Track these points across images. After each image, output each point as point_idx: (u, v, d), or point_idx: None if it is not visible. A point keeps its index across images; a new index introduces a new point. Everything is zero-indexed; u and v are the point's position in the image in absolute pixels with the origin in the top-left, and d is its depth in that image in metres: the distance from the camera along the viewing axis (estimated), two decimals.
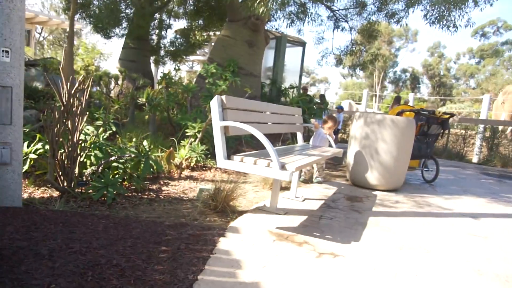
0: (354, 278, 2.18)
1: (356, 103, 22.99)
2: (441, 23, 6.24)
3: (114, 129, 4.87)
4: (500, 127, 11.25)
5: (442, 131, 5.96)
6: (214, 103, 2.68)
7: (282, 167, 2.55)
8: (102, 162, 3.59)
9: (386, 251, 2.67)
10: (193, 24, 10.45)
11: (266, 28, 8.21)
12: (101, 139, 3.87)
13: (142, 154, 3.85)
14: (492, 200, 4.91)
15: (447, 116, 5.77)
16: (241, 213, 3.24)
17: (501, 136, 10.97)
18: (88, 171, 3.50)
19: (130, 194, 3.51)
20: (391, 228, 3.24)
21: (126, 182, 3.79)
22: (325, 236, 2.84)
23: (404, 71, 48.45)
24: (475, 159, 10.62)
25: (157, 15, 10.72)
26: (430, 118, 5.53)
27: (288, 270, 2.20)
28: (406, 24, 7.75)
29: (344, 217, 3.43)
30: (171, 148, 4.67)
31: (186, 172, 4.73)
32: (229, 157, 2.79)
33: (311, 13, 7.55)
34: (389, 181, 4.80)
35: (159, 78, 6.57)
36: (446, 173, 7.20)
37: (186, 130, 5.24)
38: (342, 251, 2.58)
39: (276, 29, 9.09)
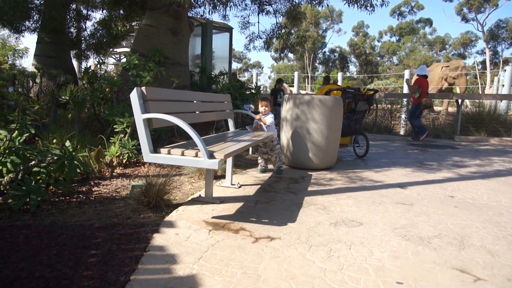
0: (290, 259, 2.22)
1: (289, 86, 23.40)
2: (359, 3, 6.48)
3: (33, 131, 4.52)
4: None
5: (368, 107, 6.23)
6: (134, 96, 2.55)
7: (211, 155, 2.50)
8: (21, 168, 3.31)
9: (321, 228, 2.75)
10: (114, 14, 9.92)
11: (190, 15, 8.01)
12: (17, 143, 3.56)
13: (66, 155, 3.61)
14: (417, 169, 5.25)
15: (372, 92, 6.04)
16: (176, 206, 3.16)
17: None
18: (5, 179, 3.21)
19: (57, 199, 3.28)
20: (326, 205, 3.34)
21: (51, 187, 3.54)
22: (262, 221, 2.86)
23: (332, 51, 50.18)
24: (402, 131, 11.30)
25: (72, 6, 10.03)
26: (356, 95, 5.75)
27: (224, 259, 2.18)
28: (328, 5, 7.95)
29: (280, 200, 3.48)
30: (99, 146, 4.43)
31: (118, 170, 4.53)
32: (156, 150, 2.69)
33: None
34: (323, 160, 4.94)
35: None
36: (377, 147, 7.59)
37: (115, 126, 5.01)
38: (278, 233, 2.61)
39: (201, 15, 8.91)
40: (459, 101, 10.05)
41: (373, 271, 2.08)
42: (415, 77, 8.87)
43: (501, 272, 2.12)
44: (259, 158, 4.83)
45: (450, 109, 17.04)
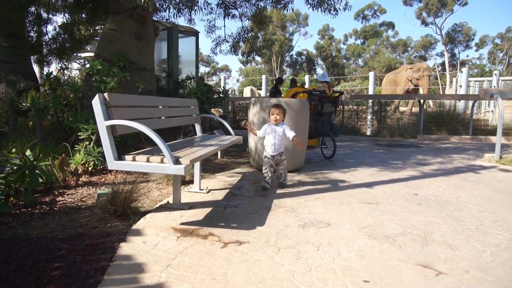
0: (259, 263, 2.22)
1: (258, 89, 23.54)
2: (322, 6, 6.61)
3: None
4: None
5: (334, 108, 6.35)
6: (96, 102, 2.50)
7: (177, 161, 2.48)
8: None
9: (289, 231, 2.77)
10: (76, 18, 9.65)
11: (155, 19, 7.92)
12: None
13: (27, 165, 3.48)
14: (383, 169, 5.39)
15: (337, 94, 6.16)
16: (144, 213, 3.11)
17: (387, 109, 12.11)
18: None
19: (18, 211, 3.16)
20: (294, 207, 3.37)
21: (12, 198, 3.40)
22: (230, 225, 2.86)
23: (299, 54, 50.84)
24: (368, 132, 11.58)
25: (31, 9, 9.68)
26: (322, 97, 5.85)
27: (193, 265, 2.17)
28: (293, 9, 8.05)
29: (249, 203, 3.48)
30: (63, 154, 4.30)
31: (84, 178, 4.41)
32: (121, 157, 2.64)
33: (198, 0, 7.44)
34: (291, 162, 4.98)
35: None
36: (344, 147, 7.74)
37: (79, 133, 4.88)
38: (247, 237, 2.61)
39: (166, 19, 8.83)
40: (421, 101, 10.42)
41: (341, 271, 2.12)
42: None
43: (459, 265, 2.21)
44: (265, 172, 4.13)
45: (414, 109, 17.60)
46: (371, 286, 1.97)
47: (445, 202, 3.65)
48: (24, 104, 5.42)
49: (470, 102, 10.97)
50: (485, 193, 4.04)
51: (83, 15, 9.62)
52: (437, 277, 2.06)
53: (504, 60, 42.40)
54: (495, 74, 14.67)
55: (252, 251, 2.38)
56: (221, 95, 7.78)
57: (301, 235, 2.68)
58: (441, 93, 26.15)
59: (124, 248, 2.39)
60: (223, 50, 9.78)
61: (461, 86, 14.20)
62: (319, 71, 51.71)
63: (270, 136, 4.09)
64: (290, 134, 4.00)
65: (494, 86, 14.34)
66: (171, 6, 7.72)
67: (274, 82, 11.80)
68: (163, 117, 3.50)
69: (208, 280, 1.99)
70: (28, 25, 9.92)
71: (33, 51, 10.16)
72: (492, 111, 13.03)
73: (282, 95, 10.36)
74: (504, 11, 76.67)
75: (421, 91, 17.69)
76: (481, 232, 2.80)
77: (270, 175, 4.11)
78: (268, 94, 12.99)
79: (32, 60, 10.22)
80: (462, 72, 14.46)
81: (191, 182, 4.20)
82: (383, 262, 2.25)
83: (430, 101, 14.78)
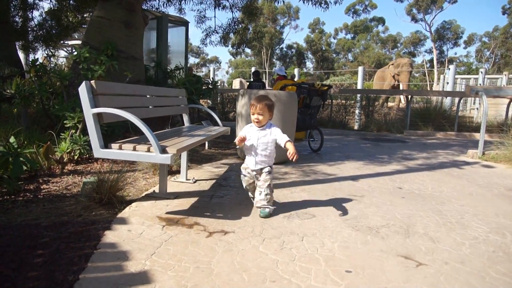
0: (244, 252, 2.24)
1: (247, 81, 23.45)
2: (313, 0, 6.60)
3: None
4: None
5: (322, 102, 6.38)
6: (83, 90, 2.47)
7: (163, 150, 2.48)
8: None
9: (274, 221, 2.80)
10: (64, 4, 9.47)
11: (144, 7, 7.82)
12: None
13: (10, 152, 3.44)
14: (369, 162, 5.44)
15: (326, 88, 6.19)
16: (130, 202, 3.10)
17: (375, 104, 12.21)
18: None
19: (0, 198, 3.12)
20: (280, 199, 3.40)
21: None
22: (216, 215, 2.87)
23: (289, 47, 50.80)
24: (356, 126, 11.66)
25: None
26: (310, 90, 5.87)
27: (177, 254, 2.18)
28: (284, 2, 8.03)
29: (235, 194, 3.50)
30: (48, 142, 4.26)
31: (69, 167, 4.37)
32: (107, 145, 2.62)
33: None
34: (278, 154, 4.97)
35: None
36: (331, 141, 7.79)
37: (65, 122, 4.82)
38: (232, 227, 2.63)
39: (156, 8, 8.72)
40: (408, 97, 10.52)
41: (324, 261, 2.15)
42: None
43: (440, 257, 2.26)
44: (251, 194, 3.14)
45: (402, 105, 17.76)
46: (353, 276, 2.00)
47: (429, 196, 3.72)
48: (8, 91, 5.33)
49: (456, 99, 11.12)
50: (467, 188, 4.12)
51: (71, 1, 9.44)
52: (418, 268, 2.11)
53: (490, 58, 43.00)
54: (481, 72, 14.91)
55: (237, 240, 2.40)
56: (210, 86, 7.75)
57: (286, 226, 2.70)
58: (428, 89, 26.42)
59: (109, 236, 2.39)
60: (213, 41, 9.75)
61: (448, 83, 14.38)
62: (309, 64, 51.83)
63: (251, 143, 2.91)
64: (282, 140, 2.85)
65: (480, 84, 14.56)
66: None
67: (253, 76, 11.44)
68: (150, 107, 3.48)
69: (192, 268, 2.01)
70: (13, 9, 9.71)
71: (18, 37, 9.96)
72: (477, 109, 13.24)
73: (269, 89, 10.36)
74: (492, 10, 77.88)
75: (401, 87, 17.85)
76: (461, 225, 2.87)
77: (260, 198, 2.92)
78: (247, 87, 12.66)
79: (17, 46, 10.02)
80: (449, 69, 14.63)
81: (177, 172, 4.19)
82: (366, 253, 2.28)
83: (414, 97, 14.96)
